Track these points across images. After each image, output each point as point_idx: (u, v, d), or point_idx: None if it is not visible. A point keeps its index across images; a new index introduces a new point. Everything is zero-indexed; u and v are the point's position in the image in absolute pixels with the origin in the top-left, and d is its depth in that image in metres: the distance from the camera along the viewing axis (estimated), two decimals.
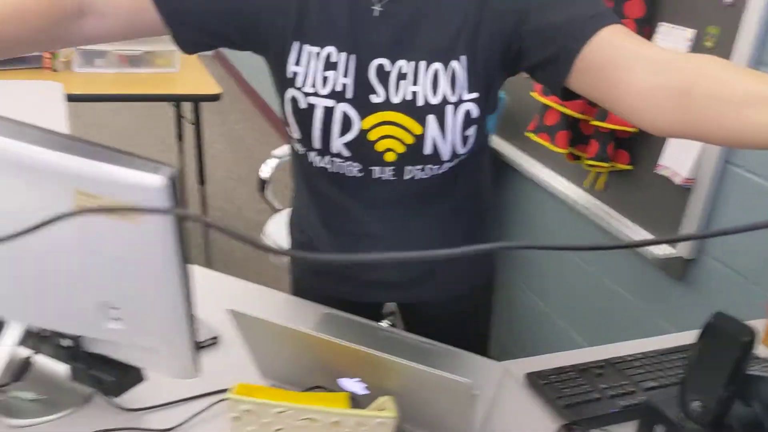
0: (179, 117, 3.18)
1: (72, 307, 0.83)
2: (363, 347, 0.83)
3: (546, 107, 1.67)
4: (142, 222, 0.75)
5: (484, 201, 1.15)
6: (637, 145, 1.60)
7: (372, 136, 0.96)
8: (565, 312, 1.96)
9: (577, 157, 1.73)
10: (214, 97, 2.45)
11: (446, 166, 1.00)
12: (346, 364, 0.86)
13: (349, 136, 0.96)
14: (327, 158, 1.00)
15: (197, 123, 2.62)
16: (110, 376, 0.89)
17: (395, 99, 0.94)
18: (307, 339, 0.85)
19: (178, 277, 0.78)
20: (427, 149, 0.96)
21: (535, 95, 1.70)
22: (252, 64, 4.72)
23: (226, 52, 5.63)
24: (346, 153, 0.98)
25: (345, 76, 0.94)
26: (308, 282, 1.24)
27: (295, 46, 0.96)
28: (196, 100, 2.47)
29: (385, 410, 0.80)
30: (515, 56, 0.93)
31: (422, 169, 0.99)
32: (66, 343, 0.91)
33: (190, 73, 2.60)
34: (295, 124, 0.99)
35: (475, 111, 0.95)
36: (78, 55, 2.42)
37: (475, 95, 0.94)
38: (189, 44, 1.00)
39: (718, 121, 0.75)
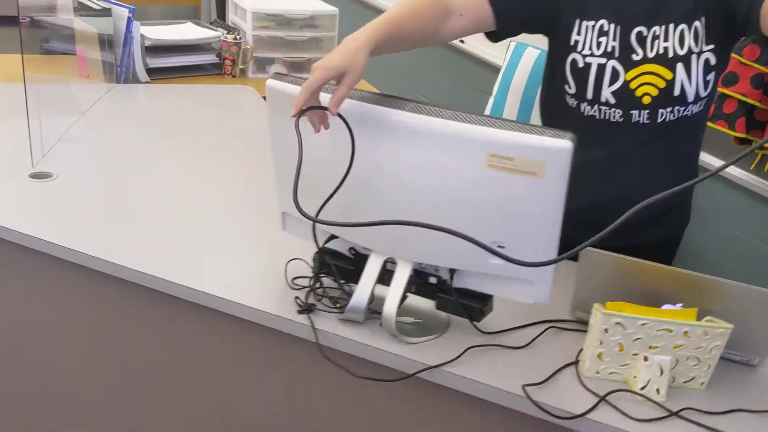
0: None
1: (465, 247, 1.07)
2: (690, 271, 1.06)
3: (725, 96, 1.88)
4: (545, 176, 0.99)
5: (696, 160, 1.43)
6: None
7: (633, 84, 1.27)
8: None
9: (745, 142, 1.94)
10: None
11: (691, 109, 1.29)
12: (668, 288, 1.09)
13: (615, 86, 1.28)
14: (596, 107, 1.30)
15: None
16: (477, 304, 1.13)
17: (651, 54, 1.26)
18: (639, 266, 1.08)
19: (559, 218, 1.02)
20: (677, 91, 1.26)
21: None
22: None
23: None
24: (612, 100, 1.28)
25: (614, 40, 1.27)
26: None
27: (577, 22, 1.30)
28: None
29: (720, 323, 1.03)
30: (742, 20, 1.20)
31: (672, 111, 1.27)
32: (432, 280, 1.16)
33: None
34: (572, 80, 1.31)
35: (712, 59, 1.26)
36: (253, 63, 2.69)
37: (712, 46, 1.25)
38: (502, 34, 1.34)
39: None
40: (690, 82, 1.26)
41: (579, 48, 1.30)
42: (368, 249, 1.16)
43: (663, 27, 1.26)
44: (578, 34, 1.30)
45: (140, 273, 1.24)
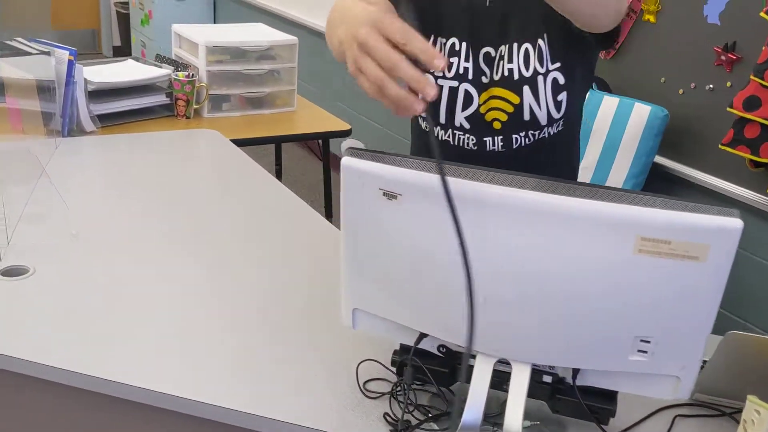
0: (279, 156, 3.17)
1: (596, 343, 0.89)
2: None
3: (745, 121, 1.80)
4: (708, 260, 0.83)
5: (575, 175, 1.37)
6: None
7: (483, 109, 1.20)
8: None
9: (759, 165, 1.86)
10: (346, 133, 2.50)
11: (546, 131, 1.20)
12: None
13: (469, 111, 1.19)
14: (449, 132, 1.21)
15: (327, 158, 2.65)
16: (605, 404, 0.96)
17: (496, 77, 1.18)
18: None
19: (717, 304, 0.86)
20: (526, 115, 1.18)
21: (733, 110, 1.83)
22: None
23: None
24: (466, 125, 1.20)
25: (466, 61, 1.18)
26: None
27: (431, 38, 1.21)
28: (332, 136, 2.51)
29: None
30: (577, 31, 1.10)
31: (525, 135, 1.19)
32: (546, 379, 0.97)
33: (305, 111, 2.64)
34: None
35: (560, 78, 1.18)
36: (208, 102, 2.43)
37: (558, 64, 1.16)
38: None
39: None
40: (539, 105, 1.18)
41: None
42: (462, 346, 0.97)
43: (507, 47, 1.17)
44: None
45: (162, 394, 0.99)
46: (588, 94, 1.36)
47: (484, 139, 1.21)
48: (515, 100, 1.19)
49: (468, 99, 1.20)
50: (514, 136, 1.21)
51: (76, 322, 1.12)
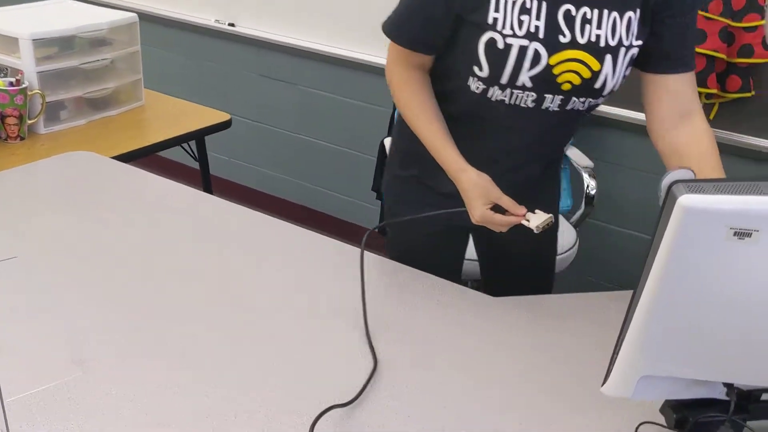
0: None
1: None
2: None
3: None
4: None
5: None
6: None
7: (556, 70, 1.13)
8: None
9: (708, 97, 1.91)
10: (225, 125, 2.09)
11: (599, 101, 1.20)
12: None
13: (536, 70, 1.13)
14: (508, 91, 1.16)
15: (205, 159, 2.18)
16: None
17: (581, 40, 1.12)
18: None
19: None
20: (599, 83, 1.15)
21: None
22: None
23: None
24: (529, 84, 1.14)
25: (537, 19, 1.11)
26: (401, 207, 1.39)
27: None
28: (210, 132, 2.06)
29: None
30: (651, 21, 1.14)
31: (583, 102, 1.17)
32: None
33: (163, 105, 2.16)
34: (485, 62, 1.14)
35: (635, 55, 1.15)
36: (42, 116, 1.85)
37: (639, 42, 1.14)
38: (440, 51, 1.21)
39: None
40: (614, 76, 1.15)
41: (499, 26, 1.11)
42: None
43: (596, 11, 1.12)
44: (497, 11, 1.11)
45: None
46: None
47: (545, 95, 1.16)
48: (596, 66, 1.13)
49: (536, 59, 1.12)
50: (573, 98, 1.17)
51: None
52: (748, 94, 1.86)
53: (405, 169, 1.36)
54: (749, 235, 0.69)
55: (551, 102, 1.17)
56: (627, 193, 2.25)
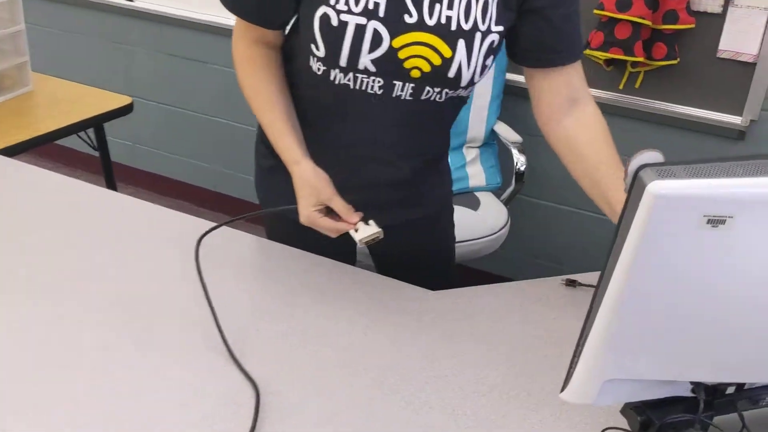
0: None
1: None
2: None
3: (615, 21, 1.75)
4: None
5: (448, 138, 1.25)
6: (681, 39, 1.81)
7: (402, 54, 1.01)
8: None
9: (611, 63, 1.87)
10: (126, 110, 1.91)
11: (460, 92, 1.07)
12: None
13: (378, 53, 1.01)
14: (350, 75, 1.04)
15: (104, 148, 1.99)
16: None
17: (430, 21, 1.00)
18: None
19: None
20: (452, 72, 1.02)
21: (604, 12, 1.77)
22: None
23: None
24: (372, 68, 1.02)
25: None
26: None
27: None
28: (109, 118, 1.87)
29: None
30: (520, 11, 1.03)
31: (440, 93, 1.05)
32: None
33: (55, 90, 1.95)
34: (321, 42, 1.02)
35: (496, 42, 1.04)
36: None
37: (500, 28, 1.02)
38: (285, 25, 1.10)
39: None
40: (469, 65, 1.02)
41: (332, 0, 0.99)
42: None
43: None
44: None
45: None
46: None
47: (393, 82, 1.04)
48: (447, 53, 1.01)
49: (377, 40, 0.99)
50: (427, 87, 1.04)
51: None
52: (674, 62, 1.83)
53: (266, 158, 1.22)
54: (723, 222, 0.61)
55: (402, 90, 1.05)
56: (558, 166, 2.20)
